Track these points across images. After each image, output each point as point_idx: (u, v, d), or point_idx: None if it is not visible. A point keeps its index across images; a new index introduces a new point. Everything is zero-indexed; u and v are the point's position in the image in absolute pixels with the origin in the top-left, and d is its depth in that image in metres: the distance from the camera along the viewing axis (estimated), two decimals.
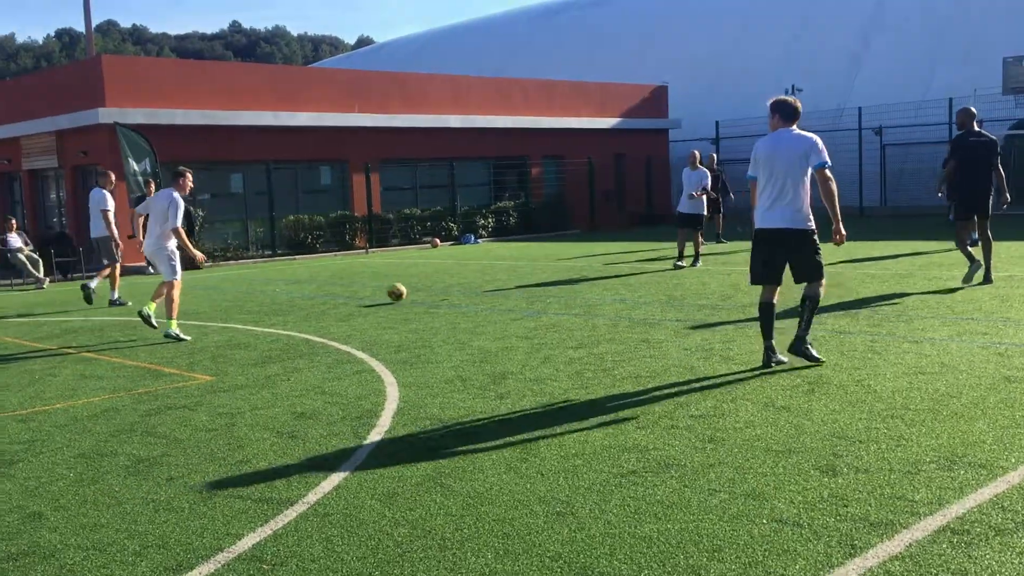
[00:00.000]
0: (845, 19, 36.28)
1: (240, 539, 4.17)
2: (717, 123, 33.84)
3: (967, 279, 11.43)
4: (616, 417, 5.97)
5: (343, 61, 66.26)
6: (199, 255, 10.63)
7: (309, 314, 11.94)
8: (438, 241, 26.11)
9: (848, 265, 14.76)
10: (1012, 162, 29.17)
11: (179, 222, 10.23)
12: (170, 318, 10.24)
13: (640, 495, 4.50)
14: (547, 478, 4.82)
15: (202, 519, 4.45)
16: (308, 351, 9.07)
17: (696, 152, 16.95)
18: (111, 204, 14.58)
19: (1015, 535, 3.81)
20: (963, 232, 11.78)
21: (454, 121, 27.61)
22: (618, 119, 31.88)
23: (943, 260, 14.89)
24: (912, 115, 30.31)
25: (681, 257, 16.18)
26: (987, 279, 11.56)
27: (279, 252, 24.15)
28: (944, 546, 3.74)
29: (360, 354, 8.74)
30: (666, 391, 6.63)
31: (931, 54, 32.80)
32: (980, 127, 12.50)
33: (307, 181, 25.83)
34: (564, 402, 6.45)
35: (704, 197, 16.55)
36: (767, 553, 3.75)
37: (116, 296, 14.42)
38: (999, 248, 16.42)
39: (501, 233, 28.14)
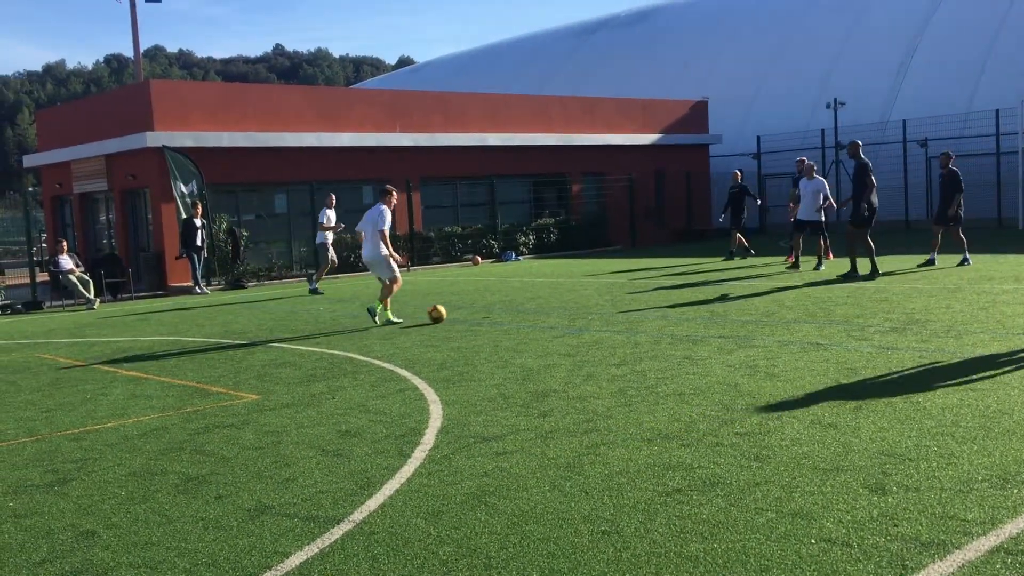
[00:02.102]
0: (888, 31, 35.90)
1: (287, 557, 4.21)
2: (758, 138, 33.62)
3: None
4: (660, 435, 5.95)
5: (384, 81, 66.97)
6: (398, 257, 12.59)
7: (353, 332, 12.04)
8: (479, 259, 26.21)
9: (895, 278, 14.55)
10: None
11: (386, 227, 12.22)
12: (385, 308, 12.51)
13: (686, 514, 4.47)
14: (591, 496, 4.81)
15: (250, 537, 4.51)
16: (352, 369, 9.15)
17: (812, 164, 17.87)
18: (324, 217, 18.29)
19: None
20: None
21: (494, 139, 27.75)
22: (658, 135, 31.82)
23: (993, 273, 14.62)
24: (958, 127, 29.87)
25: (797, 260, 17.74)
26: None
27: None
28: (998, 566, 3.67)
29: (403, 372, 8.80)
30: (710, 408, 6.58)
31: (976, 65, 32.31)
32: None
33: (349, 200, 26.08)
34: (607, 419, 6.43)
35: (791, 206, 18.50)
36: (815, 573, 3.71)
37: (316, 285, 18.48)
38: None
39: (542, 250, 28.17)
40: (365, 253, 12.60)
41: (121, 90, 33.46)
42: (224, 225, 22.81)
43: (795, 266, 17.66)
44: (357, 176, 25.65)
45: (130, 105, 23.42)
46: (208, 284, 21.90)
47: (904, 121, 30.55)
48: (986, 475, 4.78)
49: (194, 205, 21.32)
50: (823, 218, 17.52)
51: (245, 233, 23.04)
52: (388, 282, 12.52)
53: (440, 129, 26.86)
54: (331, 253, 18.66)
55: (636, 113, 31.45)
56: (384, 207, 12.37)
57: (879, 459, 5.15)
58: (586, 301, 14.14)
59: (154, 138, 21.97)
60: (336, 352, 10.39)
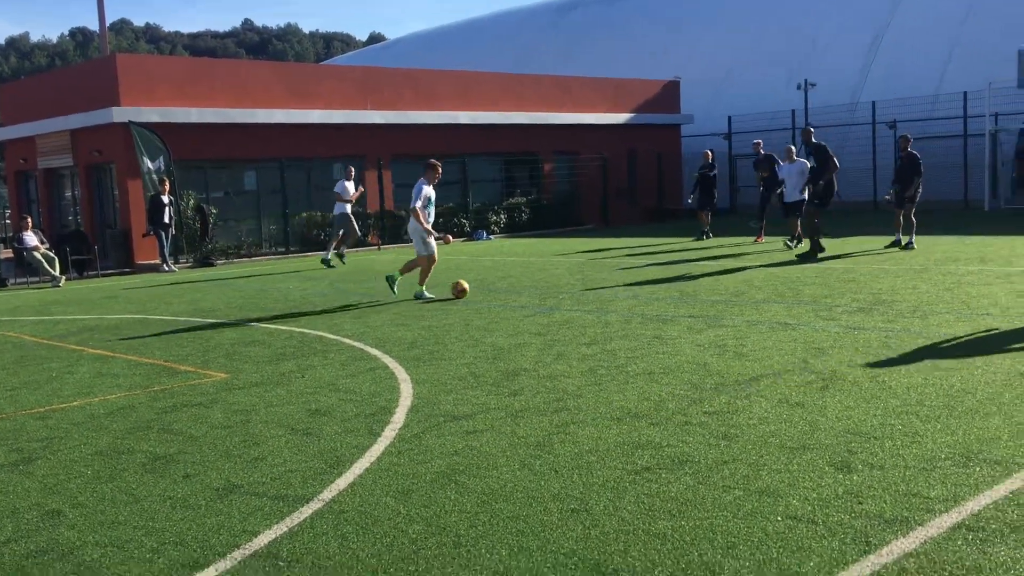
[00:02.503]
0: (859, 14, 36.09)
1: (256, 536, 4.20)
2: (730, 118, 33.73)
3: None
4: (629, 414, 5.98)
5: (355, 58, 66.36)
6: (433, 233, 12.48)
7: (323, 311, 11.98)
8: (450, 238, 25.93)
9: (862, 259, 14.70)
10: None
11: (419, 203, 12.15)
12: (421, 283, 12.60)
13: (654, 492, 4.50)
14: (561, 475, 4.83)
15: (219, 516, 4.49)
16: (322, 348, 9.11)
17: (791, 147, 18.32)
18: (342, 189, 18.76)
19: None
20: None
21: (466, 117, 27.62)
22: (631, 114, 31.82)
23: (959, 254, 14.81)
24: (927, 109, 30.14)
25: (795, 238, 17.80)
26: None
27: (292, 249, 24.22)
28: (959, 543, 3.73)
29: (374, 351, 8.78)
30: (679, 388, 6.63)
31: (945, 49, 32.59)
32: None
33: (320, 178, 25.89)
34: (577, 398, 6.46)
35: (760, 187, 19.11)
36: (781, 550, 3.76)
37: (330, 256, 18.85)
38: (1015, 242, 16.33)
39: (513, 229, 28.15)
40: (409, 227, 12.75)
41: (86, 64, 32.89)
42: (192, 202, 22.56)
43: (796, 242, 17.72)
44: (327, 153, 25.44)
45: (95, 79, 23.04)
46: (176, 262, 21.68)
47: (874, 103, 30.77)
48: (949, 453, 4.85)
49: (161, 182, 21.05)
50: (805, 199, 17.64)
51: (214, 210, 22.81)
52: (420, 257, 12.55)
53: (411, 106, 26.69)
54: (354, 224, 19.08)
55: (609, 92, 31.42)
56: (423, 182, 12.30)
57: (845, 438, 5.22)
58: (557, 280, 14.16)
59: (120, 113, 21.64)
60: (306, 331, 10.34)
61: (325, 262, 18.70)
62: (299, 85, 24.79)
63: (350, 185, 18.81)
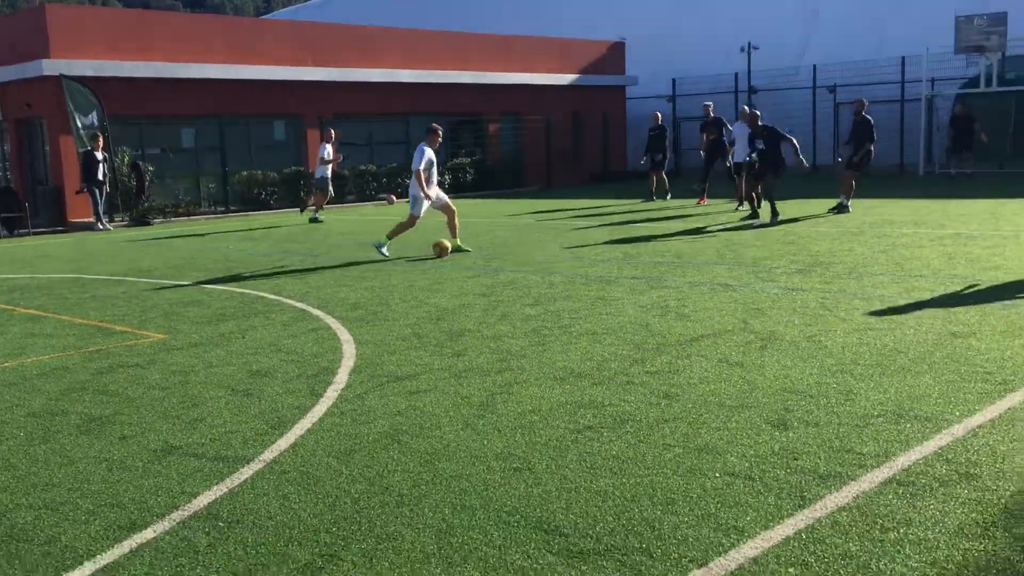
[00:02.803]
0: None
1: (195, 497, 4.15)
2: (674, 81, 33.81)
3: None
4: (572, 373, 6.02)
5: (296, 13, 64.87)
6: (430, 196, 12.62)
7: (264, 271, 11.82)
8: (394, 198, 25.76)
9: (801, 222, 14.93)
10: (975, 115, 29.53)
11: (421, 166, 12.31)
12: (389, 238, 12.76)
13: (596, 450, 4.55)
14: (504, 434, 4.85)
15: (156, 477, 4.42)
16: (263, 308, 8.99)
17: (745, 109, 18.20)
18: (324, 151, 18.96)
19: (958, 486, 3.92)
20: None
21: (410, 76, 27.25)
22: (576, 76, 31.70)
23: (894, 217, 15.11)
24: (866, 74, 30.53)
25: (746, 200, 17.83)
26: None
27: (232, 208, 23.79)
28: (890, 497, 3.84)
29: (316, 312, 8.69)
30: (622, 348, 6.69)
31: (885, 12, 32.99)
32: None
33: (260, 136, 25.41)
34: (521, 359, 6.48)
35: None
36: (719, 506, 3.83)
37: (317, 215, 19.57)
38: (948, 205, 16.73)
39: (458, 190, 27.96)
40: (410, 190, 12.87)
41: (14, 15, 31.69)
42: (127, 159, 21.98)
43: (742, 204, 18.07)
44: (268, 111, 24.95)
45: (24, 31, 22.20)
46: (111, 220, 21.17)
47: (815, 66, 31.08)
48: (881, 411, 4.98)
49: (94, 138, 20.46)
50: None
51: (150, 168, 22.26)
52: (410, 219, 12.76)
53: (354, 64, 26.24)
54: (330, 187, 19.48)
55: (554, 52, 31.24)
56: (424, 145, 12.50)
57: (782, 396, 5.32)
58: (502, 241, 14.14)
59: (51, 66, 20.92)
60: (247, 291, 10.19)
61: (314, 220, 19.37)
62: (238, 40, 24.20)
63: (330, 148, 19.14)
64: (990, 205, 16.69)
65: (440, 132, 12.94)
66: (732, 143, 18.47)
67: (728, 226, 14.94)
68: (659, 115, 21.88)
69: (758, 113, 15.80)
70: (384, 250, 12.65)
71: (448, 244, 12.76)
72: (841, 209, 16.40)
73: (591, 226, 16.10)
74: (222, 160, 23.80)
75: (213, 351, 7.16)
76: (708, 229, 14.55)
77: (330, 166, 19.17)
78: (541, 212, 19.81)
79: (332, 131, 19.70)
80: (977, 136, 23.71)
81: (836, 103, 30.30)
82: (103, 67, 21.59)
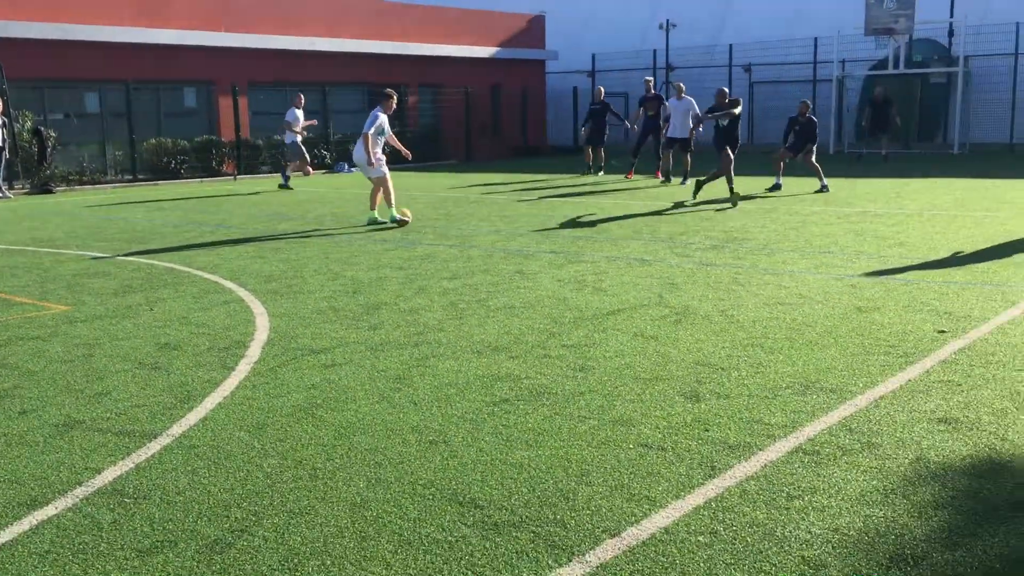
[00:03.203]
0: None
1: (100, 473, 4.03)
2: (593, 56, 33.95)
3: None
4: (489, 347, 6.02)
5: None
6: (380, 156, 12.50)
7: (173, 242, 11.49)
8: (311, 169, 25.45)
9: (714, 199, 15.19)
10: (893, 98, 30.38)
11: (371, 131, 12.25)
12: (389, 206, 12.51)
13: (512, 423, 4.56)
14: (420, 407, 4.83)
15: (58, 453, 4.27)
16: (172, 280, 8.75)
17: (680, 84, 18.90)
18: (292, 117, 19.07)
19: (860, 455, 4.05)
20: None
21: (328, 44, 26.72)
22: (496, 48, 31.54)
23: (804, 195, 15.49)
24: (780, 54, 31.14)
25: (668, 176, 18.73)
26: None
27: (140, 177, 23.06)
28: (796, 466, 3.95)
29: (228, 284, 8.49)
30: (539, 322, 6.71)
31: None
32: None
33: (170, 103, 24.64)
34: (438, 332, 6.45)
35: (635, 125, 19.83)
36: (632, 476, 3.88)
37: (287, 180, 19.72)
38: (856, 184, 17.23)
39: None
40: (354, 155, 12.70)
41: None
42: (28, 124, 21.08)
43: (667, 180, 18.63)
44: (179, 76, 24.18)
45: None
46: (11, 188, 20.29)
47: (731, 46, 31.57)
48: (790, 383, 5.11)
49: None
50: (691, 135, 18.52)
51: (52, 134, 21.39)
52: (376, 182, 12.61)
53: (269, 31, 25.59)
54: (304, 152, 19.66)
55: (475, 24, 31.01)
56: (379, 110, 12.47)
57: (695, 369, 5.42)
58: (420, 214, 14.03)
59: None
60: (155, 262, 9.90)
61: (284, 186, 19.49)
62: (148, 3, 23.35)
63: (300, 114, 19.17)
64: (895, 184, 17.24)
65: (395, 97, 12.86)
66: (667, 119, 18.79)
67: (641, 200, 15.10)
68: (602, 90, 21.77)
69: (726, 90, 15.66)
70: (393, 215, 12.57)
71: (410, 213, 12.85)
72: (821, 190, 16.59)
73: (510, 200, 16.10)
74: (129, 127, 23.00)
75: (119, 324, 6.94)
76: (686, 204, 14.51)
77: (300, 135, 19.27)
78: (459, 185, 19.72)
79: (301, 96, 19.76)
80: (893, 119, 24.46)
81: (751, 82, 30.87)
82: (5, 27, 20.60)
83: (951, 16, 28.12)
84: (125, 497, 3.78)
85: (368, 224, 12.70)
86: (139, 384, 5.36)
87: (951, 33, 28.64)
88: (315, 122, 20.37)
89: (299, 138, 19.35)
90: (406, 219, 12.59)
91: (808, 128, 16.80)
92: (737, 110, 14.84)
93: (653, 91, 20.27)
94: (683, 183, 18.20)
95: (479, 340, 6.20)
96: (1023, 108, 27.69)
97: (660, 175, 19.13)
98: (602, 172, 21.33)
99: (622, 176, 20.08)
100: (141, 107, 23.42)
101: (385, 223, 12.64)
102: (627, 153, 21.06)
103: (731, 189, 14.50)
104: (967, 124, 27.65)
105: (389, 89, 13.06)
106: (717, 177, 14.86)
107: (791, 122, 17.26)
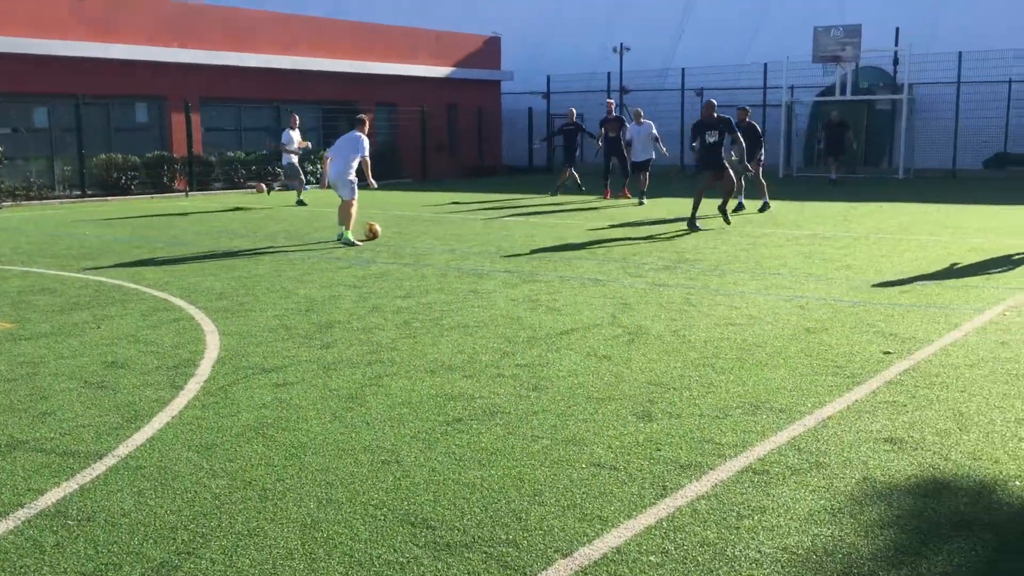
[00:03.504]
0: None
1: (43, 495, 3.94)
2: (548, 77, 34.21)
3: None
4: (443, 366, 6.01)
5: None
6: (373, 183, 13.29)
7: (123, 259, 11.31)
8: (263, 186, 25.26)
9: (667, 220, 15.34)
10: (818, 127, 31.02)
11: (367, 154, 12.82)
12: (347, 228, 12.71)
13: (465, 442, 4.55)
14: (373, 427, 4.80)
15: (0, 474, 4.17)
16: (121, 297, 8.60)
17: (639, 110, 19.64)
18: (287, 138, 19.51)
19: (808, 474, 4.11)
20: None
21: (283, 62, 26.60)
22: (452, 68, 31.65)
23: (754, 217, 15.72)
24: (732, 78, 31.65)
25: (642, 196, 19.10)
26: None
27: (89, 193, 22.68)
28: (746, 485, 3.99)
29: (178, 301, 8.38)
30: (493, 341, 6.72)
31: (749, 20, 34.25)
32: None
33: (121, 118, 24.31)
34: (391, 351, 6.42)
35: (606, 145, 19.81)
36: (585, 496, 3.89)
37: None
38: (805, 207, 17.53)
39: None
40: (332, 173, 12.87)
41: None
42: None
43: (641, 203, 18.85)
44: (130, 91, 23.88)
45: None
46: None
47: (683, 69, 32.02)
48: (740, 402, 5.17)
49: None
50: (652, 157, 19.13)
51: (0, 148, 20.97)
52: (346, 202, 12.84)
53: (222, 47, 25.41)
54: (300, 171, 20.25)
55: (431, 44, 31.09)
56: (361, 135, 12.95)
57: (647, 388, 5.46)
58: (360, 241, 13.97)
59: None
60: (104, 279, 9.73)
61: (300, 203, 19.69)
62: (98, 17, 23.06)
63: (295, 134, 19.50)
64: (843, 208, 17.58)
65: (368, 122, 13.60)
66: (629, 143, 19.22)
67: (596, 221, 15.21)
68: (574, 111, 21.86)
69: (715, 102, 15.22)
70: (349, 237, 12.66)
71: (379, 227, 13.32)
72: (764, 207, 16.99)
73: (466, 219, 16.11)
74: (79, 142, 22.63)
75: (65, 341, 6.81)
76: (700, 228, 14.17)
77: (295, 155, 19.73)
78: (415, 204, 19.70)
79: (296, 116, 20.19)
80: (848, 144, 25.08)
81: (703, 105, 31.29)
82: None
83: (896, 45, 28.84)
84: (69, 519, 3.70)
85: (338, 239, 12.72)
86: (84, 403, 5.25)
87: (896, 61, 29.37)
88: (308, 144, 20.39)
89: (295, 158, 19.74)
90: (358, 243, 12.62)
91: (751, 135, 16.98)
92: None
93: (614, 113, 20.45)
94: (641, 203, 18.59)
95: (433, 359, 6.19)
96: (965, 135, 28.45)
97: (628, 193, 19.64)
98: (583, 188, 21.51)
99: (582, 196, 20.45)
100: (91, 122, 23.08)
101: (356, 244, 12.52)
102: (598, 176, 21.34)
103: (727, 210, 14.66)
104: (912, 150, 28.33)
105: (362, 115, 13.68)
106: (729, 196, 14.60)
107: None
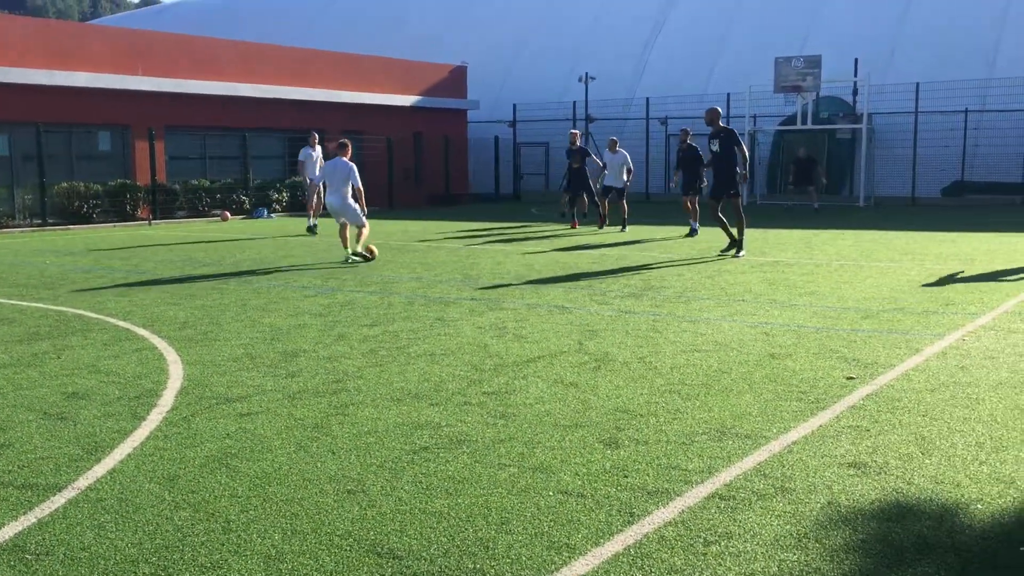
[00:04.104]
0: (636, 11, 37.83)
1: (0, 528, 3.85)
2: (515, 106, 34.45)
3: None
4: (410, 394, 5.98)
5: (125, 20, 62.09)
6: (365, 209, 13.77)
7: (84, 288, 11.17)
8: (228, 214, 25.11)
9: (636, 247, 15.45)
10: (780, 156, 31.54)
11: (359, 184, 13.59)
12: (357, 243, 13.62)
13: (432, 471, 4.53)
14: (338, 456, 4.76)
15: None
16: (82, 327, 8.48)
17: (615, 139, 19.88)
18: (306, 157, 19.77)
19: (774, 499, 4.13)
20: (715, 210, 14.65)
21: (247, 90, 26.56)
22: (418, 97, 31.78)
23: (720, 245, 15.88)
24: (695, 107, 32.07)
25: (604, 220, 19.71)
26: (739, 248, 14.32)
27: (50, 221, 22.41)
28: (713, 511, 4.00)
29: (141, 331, 8.28)
30: (460, 369, 6.70)
31: (712, 51, 34.79)
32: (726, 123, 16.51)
33: (83, 146, 24.09)
34: (358, 380, 6.38)
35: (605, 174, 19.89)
36: (552, 524, 3.88)
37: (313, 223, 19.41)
38: (768, 234, 17.74)
39: (296, 208, 27.40)
40: (335, 203, 13.56)
41: None
42: None
43: (602, 224, 19.66)
44: (93, 120, 23.71)
45: None
46: None
47: (647, 99, 32.40)
48: (706, 428, 5.19)
49: None
50: (625, 186, 19.57)
51: None
52: (358, 229, 13.68)
53: (187, 75, 25.33)
54: (321, 192, 19.41)
55: (397, 73, 31.22)
56: (349, 162, 13.62)
57: (614, 415, 5.46)
58: (341, 261, 13.93)
59: None
60: (64, 308, 9.59)
61: (310, 229, 19.31)
62: (61, 45, 22.92)
63: (315, 152, 19.64)
64: (805, 235, 17.81)
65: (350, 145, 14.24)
66: (603, 168, 19.64)
67: (561, 247, 15.28)
68: (577, 133, 21.46)
69: (719, 110, 14.82)
70: (359, 251, 13.62)
71: (375, 248, 14.01)
72: (690, 233, 17.46)
73: (431, 247, 16.11)
74: (39, 170, 22.37)
75: (24, 372, 6.69)
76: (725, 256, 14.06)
77: (308, 177, 19.59)
78: (380, 233, 19.67)
79: (315, 135, 20.32)
80: (818, 176, 25.63)
81: (667, 134, 31.69)
82: None
83: (855, 75, 29.42)
84: (27, 554, 3.62)
85: (346, 262, 13.45)
86: (44, 435, 5.16)
87: (855, 91, 29.94)
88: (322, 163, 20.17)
89: (310, 179, 19.56)
90: (366, 252, 13.64)
91: (691, 154, 17.46)
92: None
93: (578, 144, 20.46)
94: (623, 230, 18.96)
95: (399, 387, 6.16)
96: (924, 163, 29.01)
97: (601, 221, 19.87)
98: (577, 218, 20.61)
99: (547, 223, 20.44)
100: (52, 150, 22.85)
101: (358, 260, 13.50)
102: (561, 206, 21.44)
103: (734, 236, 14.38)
104: (872, 178, 28.83)
105: (345, 140, 14.28)
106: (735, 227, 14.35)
107: (677, 157, 18.05)
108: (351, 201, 13.51)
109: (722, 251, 14.51)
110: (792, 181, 26.41)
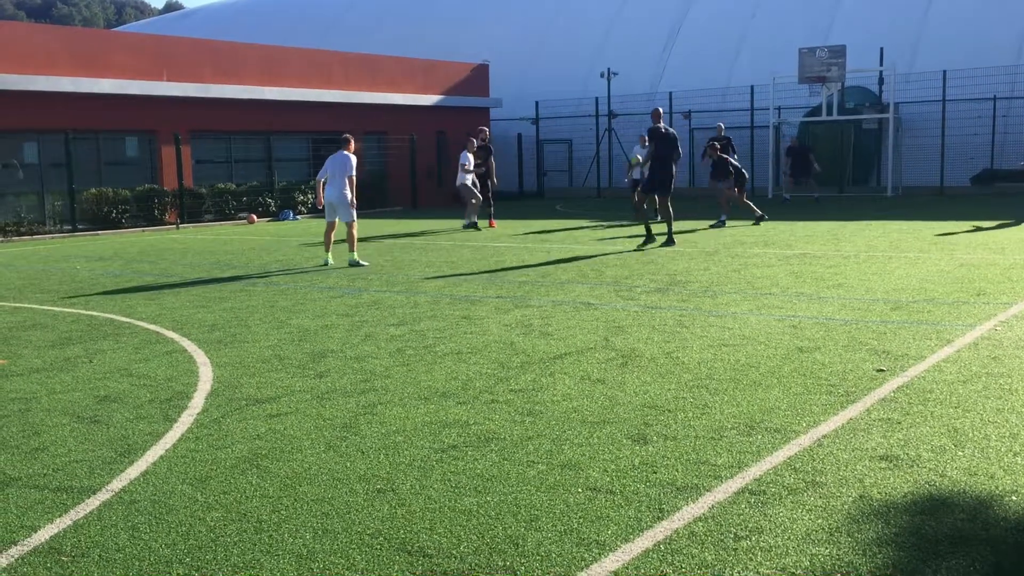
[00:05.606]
0: (656, 4, 37.66)
1: (36, 531, 3.91)
2: (537, 103, 34.41)
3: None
4: (437, 393, 6.00)
5: (149, 26, 62.67)
6: (355, 201, 13.69)
7: (114, 292, 11.29)
8: (255, 217, 25.29)
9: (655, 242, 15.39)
10: (810, 145, 31.27)
11: (354, 172, 13.49)
12: (352, 251, 13.48)
13: (460, 469, 4.54)
14: (367, 456, 4.78)
15: None
16: (113, 331, 8.58)
17: (644, 135, 19.25)
18: (466, 160, 19.51)
19: (804, 493, 4.11)
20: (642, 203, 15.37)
21: (271, 93, 26.72)
22: (440, 96, 31.82)
23: (745, 238, 15.79)
24: (718, 101, 31.89)
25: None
26: (669, 242, 14.75)
27: (80, 227, 22.68)
28: (743, 506, 3.99)
29: (170, 334, 8.36)
30: (487, 367, 6.71)
31: (735, 42, 34.56)
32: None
33: (111, 152, 24.35)
34: (385, 379, 6.41)
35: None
36: (581, 520, 3.88)
37: (470, 221, 19.86)
38: (795, 226, 17.61)
39: (321, 210, 27.55)
40: (331, 195, 13.60)
41: None
42: None
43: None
44: (120, 126, 23.96)
45: None
46: None
47: (671, 93, 32.24)
48: (735, 423, 5.17)
49: None
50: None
51: None
52: (348, 225, 13.55)
53: (212, 80, 25.53)
54: (473, 191, 19.79)
55: (418, 73, 31.28)
56: (350, 155, 13.57)
57: (642, 411, 5.45)
58: (367, 261, 13.99)
59: None
60: (95, 313, 9.71)
61: (469, 226, 19.75)
62: (87, 53, 23.16)
63: (472, 156, 19.59)
64: (832, 227, 17.66)
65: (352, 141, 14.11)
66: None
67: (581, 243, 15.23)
68: (722, 126, 21.24)
69: (722, 125, 16.11)
70: (356, 259, 13.49)
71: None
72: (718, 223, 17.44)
73: (455, 246, 16.13)
74: (68, 177, 22.65)
75: (57, 376, 6.78)
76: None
77: (471, 175, 19.53)
78: (405, 232, 19.72)
79: (473, 140, 20.12)
80: (812, 166, 25.36)
81: (692, 128, 31.53)
82: None
83: (881, 65, 29.11)
84: (63, 555, 3.67)
85: (350, 266, 13.27)
86: (78, 439, 5.23)
87: (881, 81, 29.63)
88: (484, 168, 20.01)
89: (469, 179, 19.54)
90: (365, 264, 13.38)
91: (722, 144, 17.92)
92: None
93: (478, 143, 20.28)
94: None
95: (426, 386, 6.18)
96: (952, 152, 28.66)
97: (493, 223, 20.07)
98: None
99: (572, 218, 20.35)
100: (81, 157, 23.12)
101: (364, 265, 13.30)
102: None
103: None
104: (899, 168, 28.52)
105: (347, 134, 14.19)
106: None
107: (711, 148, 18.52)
108: (347, 192, 13.45)
109: (639, 246, 14.76)
110: (788, 171, 26.19)
